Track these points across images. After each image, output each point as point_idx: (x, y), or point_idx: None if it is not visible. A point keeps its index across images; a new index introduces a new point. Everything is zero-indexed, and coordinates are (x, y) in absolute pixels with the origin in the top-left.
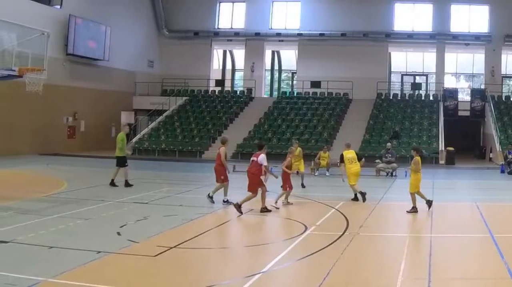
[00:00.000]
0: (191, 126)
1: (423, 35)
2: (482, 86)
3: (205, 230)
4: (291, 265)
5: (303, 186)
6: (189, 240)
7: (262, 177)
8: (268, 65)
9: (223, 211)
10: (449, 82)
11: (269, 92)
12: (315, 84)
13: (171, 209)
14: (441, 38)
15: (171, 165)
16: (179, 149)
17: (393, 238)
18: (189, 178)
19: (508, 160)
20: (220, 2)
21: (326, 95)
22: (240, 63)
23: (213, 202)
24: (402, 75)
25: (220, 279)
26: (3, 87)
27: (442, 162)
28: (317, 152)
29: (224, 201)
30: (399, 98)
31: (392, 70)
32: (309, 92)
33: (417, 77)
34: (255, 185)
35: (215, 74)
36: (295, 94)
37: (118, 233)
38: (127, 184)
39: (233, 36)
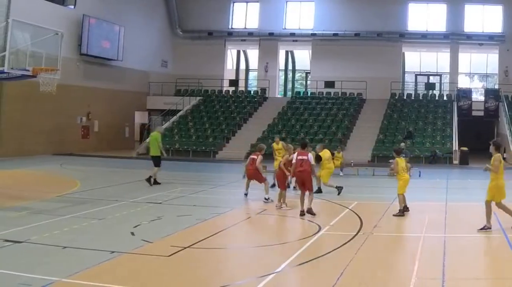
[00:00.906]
0: (204, 126)
1: (437, 35)
2: (496, 86)
3: (219, 230)
4: (305, 265)
5: (320, 190)
6: (203, 240)
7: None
8: (282, 65)
9: (237, 211)
10: (463, 82)
11: (283, 92)
12: (329, 84)
13: (185, 209)
14: (455, 38)
15: (184, 165)
16: (193, 148)
17: (407, 238)
18: (202, 178)
19: None
20: (234, 2)
21: (340, 95)
22: (254, 63)
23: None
24: (416, 75)
25: (234, 279)
26: (17, 87)
27: (456, 162)
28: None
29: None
30: (413, 98)
31: (406, 70)
32: (323, 92)
33: (431, 77)
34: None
35: (229, 74)
36: (309, 94)
37: (132, 233)
38: (148, 181)
39: (247, 36)
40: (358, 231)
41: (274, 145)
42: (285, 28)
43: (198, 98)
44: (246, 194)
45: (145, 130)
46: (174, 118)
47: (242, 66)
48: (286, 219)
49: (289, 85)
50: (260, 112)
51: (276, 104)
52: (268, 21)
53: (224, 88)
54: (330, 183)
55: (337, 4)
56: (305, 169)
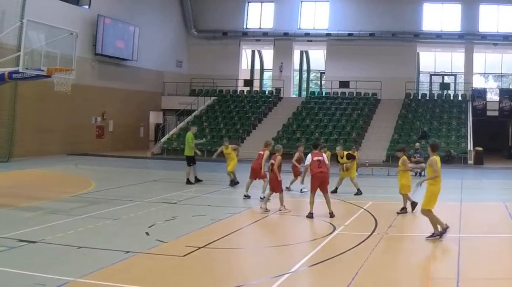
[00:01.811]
0: (219, 126)
1: (452, 35)
2: (511, 86)
3: (233, 230)
4: (319, 265)
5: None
6: (217, 240)
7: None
8: (296, 65)
9: (251, 211)
10: (478, 82)
11: (297, 92)
12: (344, 84)
13: (200, 209)
14: (469, 38)
15: (199, 164)
16: (208, 148)
17: (422, 238)
18: (217, 177)
19: None
20: (248, 2)
21: (354, 95)
22: (268, 63)
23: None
24: (431, 75)
25: (249, 279)
26: (32, 87)
27: (470, 162)
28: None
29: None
30: (427, 98)
31: (420, 70)
32: (337, 92)
33: (445, 77)
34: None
35: (244, 74)
36: (323, 94)
37: (147, 233)
38: (188, 182)
39: (261, 36)
40: (373, 231)
41: (224, 148)
42: (299, 28)
43: (212, 98)
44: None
45: (160, 130)
46: (189, 118)
47: (257, 66)
48: (301, 219)
49: (304, 85)
50: (274, 112)
51: (290, 104)
52: (283, 21)
53: (239, 88)
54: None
55: (352, 4)
56: (324, 170)
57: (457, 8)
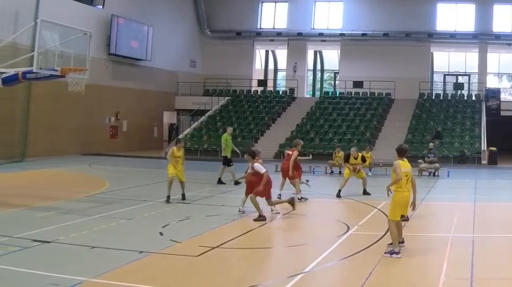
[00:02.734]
0: (233, 126)
1: (466, 35)
2: None
3: (247, 230)
4: (333, 265)
5: (366, 192)
6: (231, 240)
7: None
8: (310, 65)
9: (265, 211)
10: (492, 82)
11: (311, 92)
12: (358, 84)
13: (214, 209)
14: (483, 38)
15: (213, 164)
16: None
17: (435, 238)
18: (231, 177)
19: None
20: (262, 2)
21: (368, 95)
22: (282, 63)
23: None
24: (445, 75)
25: (263, 279)
26: (46, 87)
27: (484, 162)
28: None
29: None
30: (441, 98)
31: (434, 70)
32: (351, 92)
33: (459, 77)
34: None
35: (257, 74)
36: (337, 94)
37: (161, 233)
38: (236, 182)
39: (275, 36)
40: (387, 231)
41: (175, 150)
42: (313, 28)
43: (226, 98)
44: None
45: (174, 130)
46: (203, 118)
47: (271, 66)
48: (315, 219)
49: (318, 85)
50: (288, 112)
51: (304, 104)
52: (296, 21)
53: (253, 88)
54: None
55: (365, 4)
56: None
57: (471, 8)
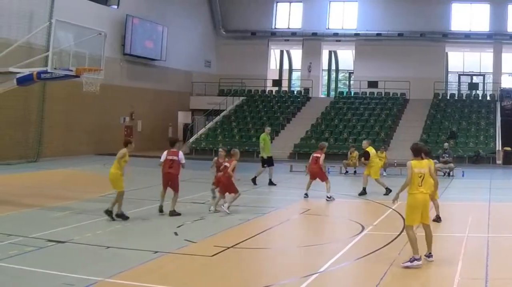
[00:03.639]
0: (248, 126)
1: (480, 35)
2: None
3: (262, 230)
4: (348, 265)
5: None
6: (246, 240)
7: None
8: (325, 65)
9: (280, 211)
10: (506, 82)
11: (326, 92)
12: (372, 84)
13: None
14: (498, 38)
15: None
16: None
17: (450, 238)
18: (246, 178)
19: None
20: (277, 2)
21: (383, 95)
22: (297, 63)
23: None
24: (459, 75)
25: (277, 279)
26: (60, 87)
27: (499, 162)
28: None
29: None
30: (456, 98)
31: (449, 70)
32: (366, 92)
33: (474, 77)
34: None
35: (272, 74)
36: (352, 94)
37: (175, 233)
38: (271, 183)
39: (290, 36)
40: (401, 231)
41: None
42: (328, 28)
43: (241, 98)
44: (306, 195)
45: (188, 130)
46: (218, 118)
47: (285, 66)
48: (329, 219)
49: (332, 85)
50: (303, 112)
51: (319, 104)
52: (311, 21)
53: (268, 88)
54: (381, 180)
55: (380, 4)
56: (172, 171)
57: (485, 8)
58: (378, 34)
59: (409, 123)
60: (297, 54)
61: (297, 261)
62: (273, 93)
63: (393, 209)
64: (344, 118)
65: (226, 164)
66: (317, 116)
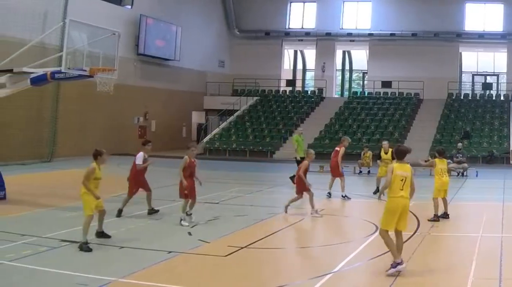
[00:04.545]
0: (262, 126)
1: (494, 35)
2: None
3: (276, 230)
4: (362, 265)
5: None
6: (260, 240)
7: None
8: (339, 65)
9: (294, 211)
10: None
11: (340, 92)
12: (386, 84)
13: (242, 209)
14: None
15: (241, 165)
16: (250, 149)
17: (464, 238)
18: (260, 178)
19: None
20: (291, 2)
21: (397, 95)
22: (311, 63)
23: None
24: (473, 75)
25: (291, 279)
26: (74, 87)
27: None
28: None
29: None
30: (470, 98)
31: (462, 70)
32: (380, 92)
33: (488, 77)
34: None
35: (286, 74)
36: (366, 94)
37: (189, 233)
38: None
39: (304, 36)
40: (415, 231)
41: (97, 168)
42: (342, 28)
43: (255, 98)
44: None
45: (202, 130)
46: (231, 118)
47: (299, 66)
48: (343, 219)
49: (346, 85)
50: (317, 112)
51: (333, 104)
52: (325, 21)
53: (281, 88)
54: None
55: (394, 4)
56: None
57: (499, 8)
58: (392, 34)
59: (423, 123)
60: (311, 54)
61: (311, 261)
62: (287, 93)
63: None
64: (358, 118)
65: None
66: (330, 116)
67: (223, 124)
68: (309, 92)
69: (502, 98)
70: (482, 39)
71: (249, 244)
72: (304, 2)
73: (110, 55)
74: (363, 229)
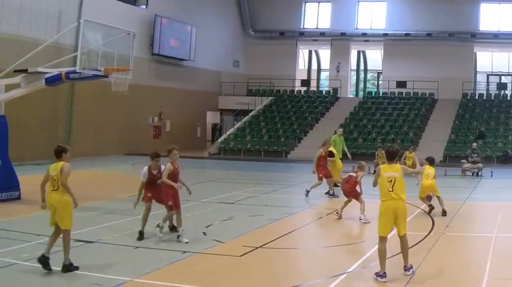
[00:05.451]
0: (276, 126)
1: (509, 35)
2: None
3: (290, 230)
4: (376, 265)
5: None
6: (274, 240)
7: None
8: (353, 65)
9: (308, 211)
10: None
11: (354, 92)
12: (401, 84)
13: (257, 209)
14: None
15: (256, 164)
16: (265, 148)
17: (479, 238)
18: (274, 178)
19: None
20: (305, 2)
21: (411, 95)
22: (325, 63)
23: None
24: (488, 75)
25: (306, 279)
26: (89, 87)
27: None
28: (402, 152)
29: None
30: (484, 98)
31: (477, 70)
32: (394, 92)
33: (502, 77)
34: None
35: (301, 74)
36: (380, 94)
37: (204, 233)
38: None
39: (318, 36)
40: (430, 231)
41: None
42: (356, 28)
43: (270, 98)
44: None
45: (217, 130)
46: (246, 118)
47: (314, 66)
48: (357, 220)
49: (361, 85)
50: (332, 112)
51: (348, 104)
52: (340, 21)
53: (296, 88)
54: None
55: (408, 4)
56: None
57: None
58: (406, 34)
59: (438, 123)
60: (325, 54)
61: (325, 261)
62: (302, 93)
63: (421, 209)
64: (373, 118)
65: (352, 173)
66: (345, 116)
67: (238, 124)
68: (323, 92)
69: None
70: (497, 39)
71: (264, 244)
72: (318, 2)
73: (125, 55)
74: (377, 229)
